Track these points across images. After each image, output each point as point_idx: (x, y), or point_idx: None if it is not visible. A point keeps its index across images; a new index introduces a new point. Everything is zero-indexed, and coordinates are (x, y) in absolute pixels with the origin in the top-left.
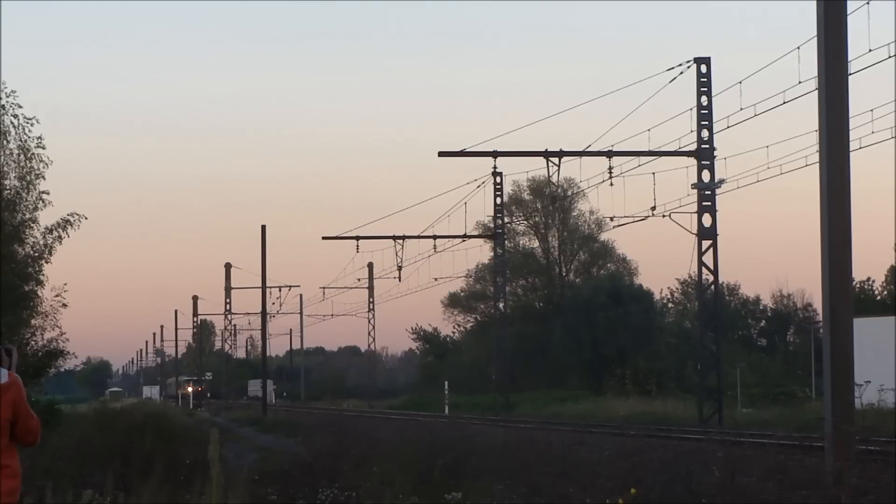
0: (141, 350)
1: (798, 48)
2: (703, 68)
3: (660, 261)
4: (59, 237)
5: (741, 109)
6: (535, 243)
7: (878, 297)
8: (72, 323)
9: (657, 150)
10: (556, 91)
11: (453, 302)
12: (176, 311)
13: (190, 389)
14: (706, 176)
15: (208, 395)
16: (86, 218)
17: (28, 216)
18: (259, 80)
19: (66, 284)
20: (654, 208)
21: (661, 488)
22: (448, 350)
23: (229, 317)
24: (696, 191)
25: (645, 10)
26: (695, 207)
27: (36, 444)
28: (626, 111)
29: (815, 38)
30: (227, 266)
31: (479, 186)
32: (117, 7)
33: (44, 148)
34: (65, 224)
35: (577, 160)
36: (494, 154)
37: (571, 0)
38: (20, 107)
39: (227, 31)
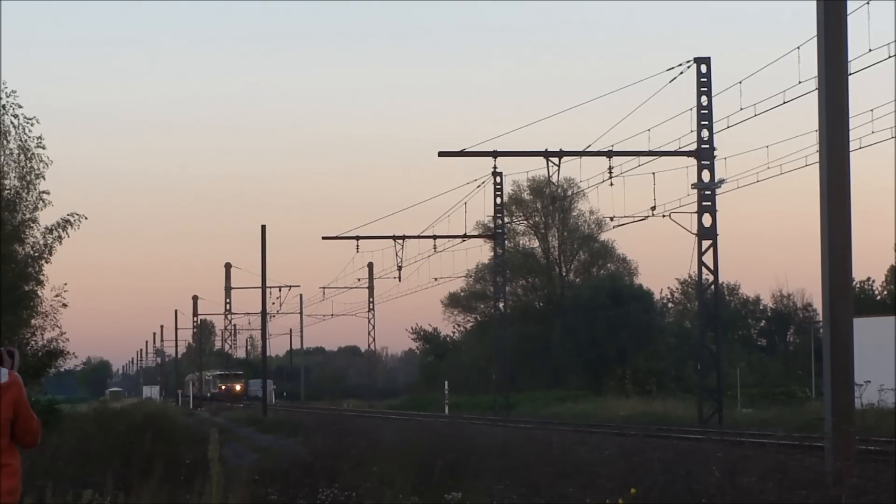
0: (141, 350)
1: (798, 48)
2: (703, 68)
3: (660, 261)
4: (59, 237)
5: (741, 109)
6: (535, 243)
7: (878, 297)
8: (72, 323)
9: (657, 150)
10: (556, 91)
11: (453, 302)
12: (176, 311)
13: (224, 387)
14: (706, 176)
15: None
16: (86, 218)
17: (28, 216)
18: (259, 80)
19: (66, 284)
20: (654, 208)
21: (661, 488)
22: (448, 350)
23: (229, 317)
24: (696, 191)
25: (645, 10)
26: (695, 207)
27: (36, 446)
28: (626, 111)
29: (815, 38)
30: (227, 266)
31: (479, 186)
32: (117, 7)
33: (44, 148)
34: (65, 224)
35: (577, 160)
36: (494, 154)
37: (571, 0)
38: (20, 107)
39: (228, 31)
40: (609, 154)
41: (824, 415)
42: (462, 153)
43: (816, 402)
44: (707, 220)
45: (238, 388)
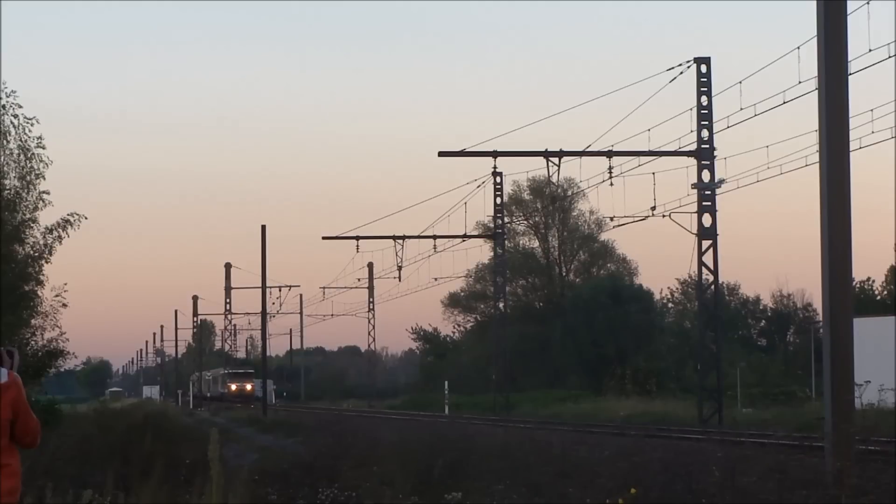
0: (141, 350)
1: (798, 48)
2: (703, 68)
3: (660, 261)
4: (59, 237)
5: (741, 109)
6: (535, 243)
7: (878, 297)
8: (72, 323)
9: (657, 150)
10: (556, 91)
11: (453, 302)
12: (176, 311)
13: (234, 387)
14: (706, 176)
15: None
16: (86, 218)
17: (28, 216)
18: (259, 80)
19: (66, 284)
20: (654, 208)
21: (661, 488)
22: (448, 350)
23: (229, 317)
24: (696, 191)
25: (645, 10)
26: (695, 207)
27: (35, 446)
28: (626, 111)
29: (815, 38)
30: (227, 266)
31: (479, 186)
32: (117, 7)
33: (44, 148)
34: (65, 224)
35: (577, 160)
36: (494, 154)
37: (571, 0)
38: (20, 107)
39: (227, 30)
40: (609, 154)
41: (824, 415)
42: (462, 153)
43: (816, 402)
44: (707, 220)
45: (249, 387)
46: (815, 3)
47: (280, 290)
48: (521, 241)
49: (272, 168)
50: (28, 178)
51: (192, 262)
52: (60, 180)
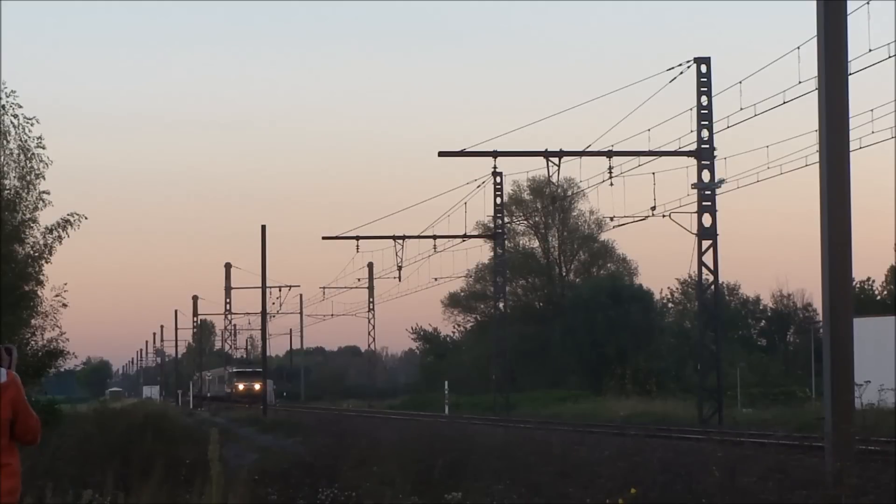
0: (141, 350)
1: (798, 48)
2: (703, 68)
3: (660, 261)
4: (59, 237)
5: (741, 109)
6: (535, 243)
7: (878, 297)
8: (72, 323)
9: (657, 150)
10: (556, 91)
11: (453, 302)
12: (176, 311)
13: (242, 387)
14: (706, 176)
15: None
16: (86, 218)
17: (28, 216)
18: (259, 80)
19: (66, 284)
20: (654, 208)
21: (661, 488)
22: (448, 350)
23: (229, 317)
24: (696, 191)
25: (645, 10)
26: (695, 207)
27: (36, 443)
28: (626, 111)
29: (815, 38)
30: (227, 266)
31: (479, 186)
32: (117, 7)
33: (44, 148)
34: (65, 224)
35: (577, 160)
36: (494, 154)
37: (572, 0)
38: (20, 107)
39: (227, 30)
40: (609, 154)
41: (824, 415)
42: (462, 153)
43: (816, 402)
44: (707, 220)
45: (257, 387)
46: (815, 3)
47: (280, 290)
48: (521, 241)
49: (272, 168)
50: (28, 178)
51: (192, 262)
52: (60, 180)
